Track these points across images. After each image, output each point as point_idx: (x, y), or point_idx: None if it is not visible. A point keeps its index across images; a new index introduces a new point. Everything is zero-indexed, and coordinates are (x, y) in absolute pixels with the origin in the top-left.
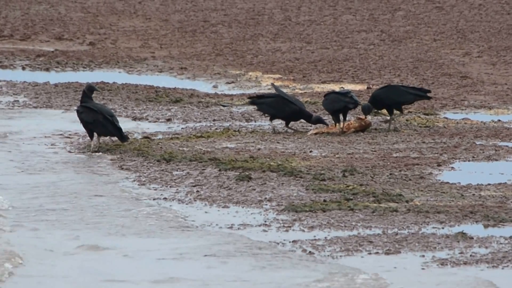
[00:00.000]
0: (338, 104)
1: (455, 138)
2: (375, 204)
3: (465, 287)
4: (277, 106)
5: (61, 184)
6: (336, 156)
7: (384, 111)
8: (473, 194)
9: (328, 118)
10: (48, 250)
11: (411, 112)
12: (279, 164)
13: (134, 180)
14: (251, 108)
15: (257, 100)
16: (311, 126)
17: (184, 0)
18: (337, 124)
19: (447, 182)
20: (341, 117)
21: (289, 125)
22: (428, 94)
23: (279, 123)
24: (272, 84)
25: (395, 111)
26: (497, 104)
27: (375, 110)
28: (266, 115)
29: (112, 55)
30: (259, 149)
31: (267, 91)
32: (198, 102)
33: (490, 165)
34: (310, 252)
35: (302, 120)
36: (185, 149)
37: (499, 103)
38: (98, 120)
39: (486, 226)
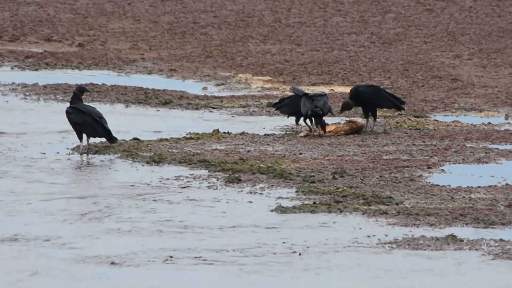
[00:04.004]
0: (304, 109)
1: (445, 141)
2: (365, 207)
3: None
4: (294, 103)
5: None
6: (326, 158)
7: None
8: (463, 197)
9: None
10: None
11: (401, 114)
12: (268, 166)
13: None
14: (240, 110)
15: (278, 103)
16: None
17: (174, 1)
18: (311, 127)
19: (437, 185)
20: (313, 121)
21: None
22: (404, 106)
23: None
24: (291, 87)
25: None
26: (487, 106)
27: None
28: (288, 116)
29: (101, 57)
30: (248, 151)
31: (257, 93)
32: (187, 104)
33: (480, 167)
34: (300, 253)
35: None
36: (174, 151)
37: (490, 105)
38: (86, 122)
39: (476, 229)
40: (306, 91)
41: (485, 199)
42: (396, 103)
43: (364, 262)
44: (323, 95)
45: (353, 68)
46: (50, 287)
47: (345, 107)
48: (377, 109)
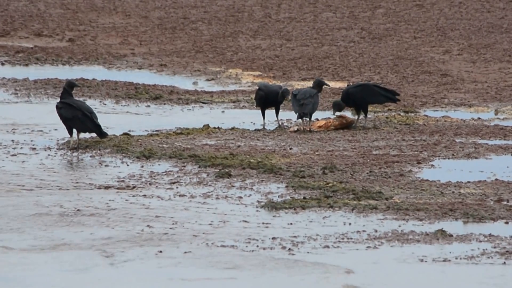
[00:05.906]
0: (294, 109)
1: (435, 136)
2: (355, 202)
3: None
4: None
5: None
6: (316, 153)
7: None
8: (453, 192)
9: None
10: None
11: (391, 109)
12: (259, 161)
13: None
14: (231, 105)
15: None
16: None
17: None
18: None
19: (427, 180)
20: (306, 118)
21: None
22: (398, 97)
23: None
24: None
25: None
26: (477, 102)
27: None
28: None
29: (91, 52)
30: (239, 146)
31: (247, 88)
32: (178, 99)
33: (469, 162)
34: (289, 249)
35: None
36: (164, 146)
37: (479, 101)
38: (77, 117)
39: (465, 224)
40: (295, 88)
41: (475, 194)
42: (388, 96)
43: (353, 257)
44: (312, 95)
45: (343, 64)
46: None
47: (336, 108)
48: (369, 105)
